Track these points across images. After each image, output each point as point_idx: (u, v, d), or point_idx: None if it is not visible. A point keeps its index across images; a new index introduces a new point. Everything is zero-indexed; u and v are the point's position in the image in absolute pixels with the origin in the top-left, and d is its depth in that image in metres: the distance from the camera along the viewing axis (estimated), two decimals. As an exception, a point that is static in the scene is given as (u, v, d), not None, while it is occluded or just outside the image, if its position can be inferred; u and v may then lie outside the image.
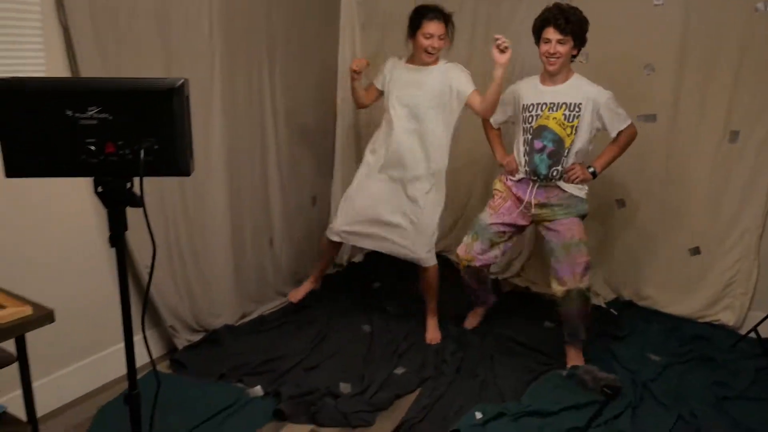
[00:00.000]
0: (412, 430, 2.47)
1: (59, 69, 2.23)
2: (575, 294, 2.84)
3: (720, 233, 3.36)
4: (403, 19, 3.82)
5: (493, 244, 3.01)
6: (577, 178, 2.83)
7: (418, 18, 2.87)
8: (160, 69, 2.55)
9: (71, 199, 2.39)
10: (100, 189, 1.25)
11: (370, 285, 3.80)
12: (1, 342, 1.54)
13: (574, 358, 2.98)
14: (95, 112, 1.16)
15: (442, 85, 2.89)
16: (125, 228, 1.31)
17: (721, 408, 2.65)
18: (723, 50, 3.15)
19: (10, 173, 1.22)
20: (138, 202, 1.25)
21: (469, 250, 3.02)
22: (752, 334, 3.14)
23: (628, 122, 2.84)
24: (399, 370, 2.88)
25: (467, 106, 2.91)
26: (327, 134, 3.67)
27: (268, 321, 3.29)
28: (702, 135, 3.30)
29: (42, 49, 2.15)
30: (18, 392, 1.69)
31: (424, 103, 2.90)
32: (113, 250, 2.38)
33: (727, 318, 3.39)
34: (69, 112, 1.16)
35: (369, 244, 3.14)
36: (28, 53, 2.11)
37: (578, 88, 2.80)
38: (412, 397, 2.71)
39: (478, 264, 3.03)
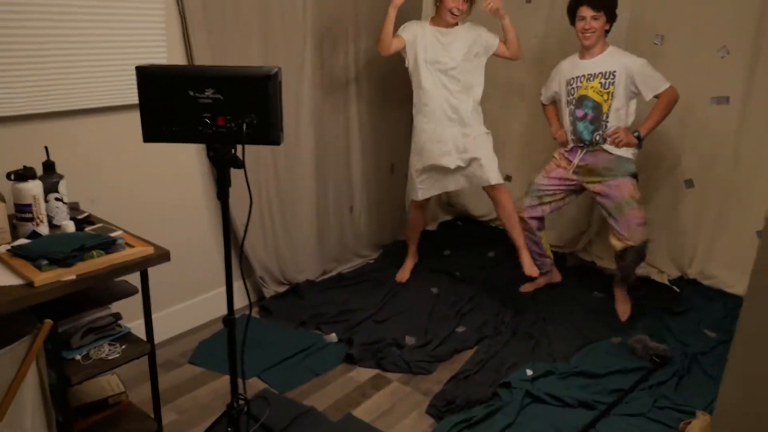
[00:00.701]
0: (467, 380, 2.75)
1: (177, 54, 2.63)
2: (634, 251, 3.13)
3: (790, 217, 3.36)
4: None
5: (541, 202, 3.33)
6: (620, 141, 3.08)
7: None
8: (259, 52, 2.91)
9: (182, 162, 2.81)
10: (211, 153, 1.61)
11: (441, 252, 4.07)
12: (129, 274, 1.95)
13: (622, 299, 3.37)
14: (211, 93, 1.51)
15: (470, 41, 3.19)
16: (229, 185, 1.66)
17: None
18: (801, 33, 3.13)
19: (147, 139, 1.60)
20: (240, 164, 1.59)
21: (522, 204, 3.36)
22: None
23: (667, 85, 3.05)
24: (460, 329, 3.16)
25: (497, 55, 3.27)
26: (403, 103, 3.92)
27: (346, 278, 3.65)
28: (774, 118, 3.31)
29: (164, 38, 2.54)
30: (139, 321, 2.11)
31: (456, 60, 3.17)
32: (214, 206, 2.79)
33: (793, 301, 3.40)
34: (191, 93, 1.52)
35: (444, 185, 3.42)
36: (153, 41, 2.51)
37: (613, 58, 3.09)
38: (470, 353, 2.99)
39: (525, 216, 3.35)
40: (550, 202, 3.34)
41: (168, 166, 2.75)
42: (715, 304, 3.46)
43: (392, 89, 3.78)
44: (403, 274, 3.68)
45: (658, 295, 3.58)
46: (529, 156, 4.23)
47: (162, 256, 2.00)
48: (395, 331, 3.10)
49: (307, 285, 3.48)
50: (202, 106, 1.53)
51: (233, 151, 1.62)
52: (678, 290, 3.65)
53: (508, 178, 4.36)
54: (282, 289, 3.40)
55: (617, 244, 3.17)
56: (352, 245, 3.86)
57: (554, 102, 3.41)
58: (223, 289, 3.12)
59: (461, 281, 3.66)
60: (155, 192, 2.74)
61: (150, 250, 1.98)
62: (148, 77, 1.56)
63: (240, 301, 3.22)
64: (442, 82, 3.21)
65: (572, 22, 3.14)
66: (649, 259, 3.85)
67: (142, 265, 1.95)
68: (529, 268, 3.32)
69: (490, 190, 3.33)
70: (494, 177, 3.27)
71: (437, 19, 3.23)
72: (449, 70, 3.19)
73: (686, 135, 3.59)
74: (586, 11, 3.02)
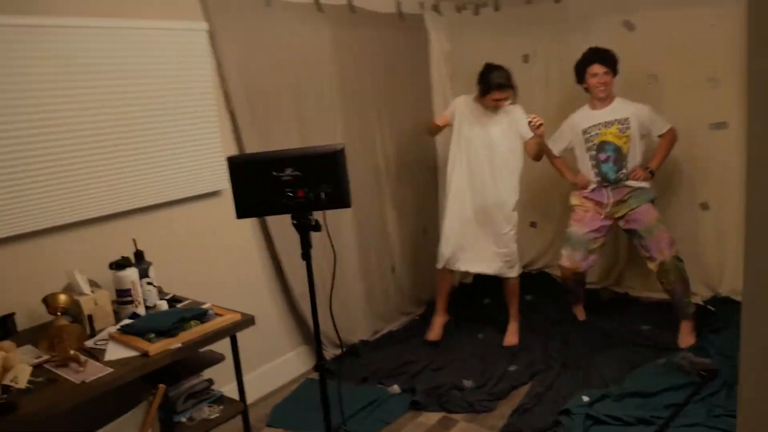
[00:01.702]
0: (528, 412, 2.92)
1: (229, 143, 2.98)
2: (669, 264, 3.39)
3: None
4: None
5: (589, 251, 3.59)
6: (639, 177, 3.50)
7: (487, 89, 3.39)
8: (297, 134, 3.26)
9: (240, 243, 3.11)
10: (294, 221, 1.90)
11: (481, 301, 4.27)
12: (224, 338, 2.20)
13: (686, 332, 3.46)
14: (290, 171, 1.82)
15: (508, 123, 3.46)
16: (311, 246, 1.94)
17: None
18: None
19: (240, 215, 1.90)
20: (319, 227, 1.88)
21: (573, 259, 3.60)
22: None
23: (668, 126, 3.51)
24: (512, 368, 3.34)
25: (524, 149, 3.51)
26: (429, 171, 4.26)
27: (396, 335, 3.87)
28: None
29: (218, 130, 2.90)
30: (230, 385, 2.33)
31: (495, 137, 3.47)
32: (272, 279, 3.04)
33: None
34: (274, 173, 1.83)
35: (465, 265, 3.66)
36: (208, 133, 2.86)
37: (623, 107, 3.51)
38: (525, 388, 3.16)
39: (583, 269, 3.63)
40: (595, 250, 3.62)
41: (230, 246, 3.04)
42: (751, 317, 3.60)
43: (415, 157, 4.11)
44: (434, 333, 3.75)
45: (696, 316, 3.73)
46: (547, 204, 4.49)
47: (248, 320, 2.26)
48: (453, 376, 3.28)
49: (362, 345, 3.69)
50: (284, 183, 1.83)
51: (312, 216, 1.91)
52: (713, 309, 3.80)
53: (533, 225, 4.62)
54: (338, 351, 3.61)
55: (653, 266, 3.46)
56: (397, 303, 4.09)
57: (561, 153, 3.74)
58: (284, 357, 3.39)
59: (504, 326, 3.83)
60: (223, 271, 3.02)
61: (237, 316, 2.24)
62: (237, 165, 1.88)
63: (297, 369, 3.45)
64: (480, 150, 3.55)
65: (579, 79, 3.53)
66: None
67: (233, 330, 2.21)
68: (510, 337, 3.64)
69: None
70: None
71: (479, 100, 3.50)
72: (486, 141, 3.52)
73: (694, 161, 3.86)
74: (598, 68, 3.42)
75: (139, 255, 2.41)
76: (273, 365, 3.34)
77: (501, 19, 4.33)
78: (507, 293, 3.71)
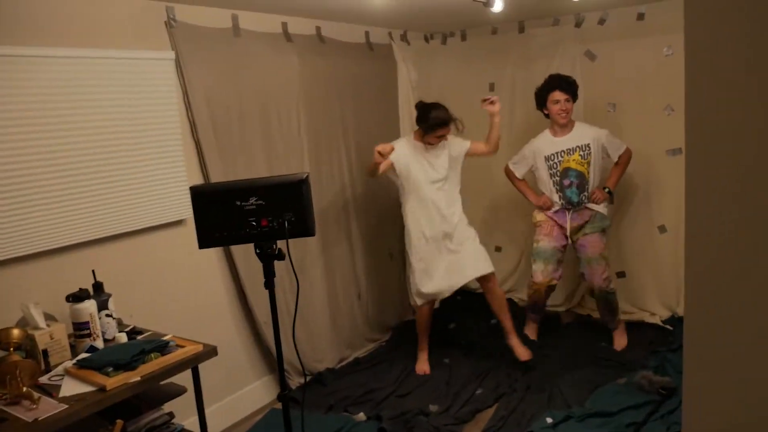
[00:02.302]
0: (494, 435, 2.93)
1: (194, 172, 2.96)
2: (598, 295, 3.68)
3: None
4: (453, 94, 4.48)
5: (559, 263, 3.71)
6: (598, 199, 3.63)
7: (430, 127, 3.43)
8: (263, 163, 3.26)
9: (204, 271, 3.08)
10: (258, 250, 1.89)
11: (446, 326, 4.28)
12: (186, 370, 2.16)
13: (618, 337, 3.77)
14: (254, 200, 1.81)
15: (447, 156, 3.53)
16: (274, 275, 1.93)
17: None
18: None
19: (202, 245, 1.88)
20: (283, 256, 1.87)
21: (546, 274, 3.68)
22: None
23: (624, 147, 3.67)
24: (478, 391, 3.35)
25: (472, 155, 3.58)
26: (394, 196, 4.27)
27: (362, 362, 3.85)
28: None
29: (182, 159, 2.88)
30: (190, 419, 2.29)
31: (441, 170, 3.52)
32: (237, 308, 3.01)
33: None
34: (238, 202, 1.82)
35: (447, 287, 3.62)
36: (172, 162, 2.84)
37: (583, 132, 3.62)
38: (491, 411, 3.17)
39: (555, 282, 3.72)
40: (562, 262, 3.74)
41: (192, 275, 3.01)
42: (709, 337, 3.71)
43: (383, 184, 4.13)
44: (423, 366, 3.70)
45: (654, 336, 3.83)
46: (512, 228, 4.56)
47: (210, 351, 2.23)
48: (419, 401, 3.28)
49: (328, 373, 3.66)
50: (248, 212, 1.83)
51: (275, 246, 1.90)
52: (671, 328, 3.91)
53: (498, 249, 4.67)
54: (302, 380, 3.57)
55: (591, 287, 3.72)
56: (363, 330, 4.07)
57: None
58: (249, 387, 3.34)
59: (469, 350, 3.86)
60: (184, 300, 2.98)
61: (199, 347, 2.21)
62: (200, 194, 1.86)
63: (262, 399, 3.40)
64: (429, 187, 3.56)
65: (540, 105, 3.63)
66: (639, 303, 4.17)
67: (195, 361, 2.18)
68: (523, 351, 3.55)
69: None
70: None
71: (419, 137, 3.55)
72: (433, 178, 3.54)
73: (652, 186, 3.98)
74: (560, 95, 3.52)
75: (98, 286, 2.36)
76: (237, 396, 3.29)
77: (468, 49, 4.44)
78: (495, 306, 3.62)
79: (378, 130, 4.10)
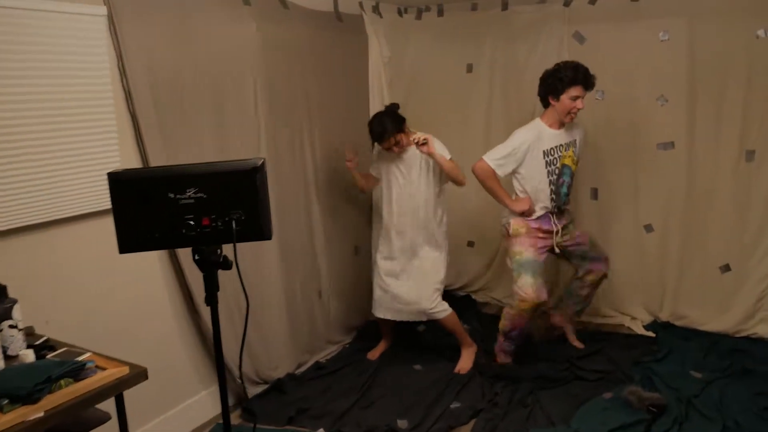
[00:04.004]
0: (471, 458, 2.61)
1: (131, 157, 2.52)
2: (603, 277, 3.38)
3: (747, 248, 3.48)
4: (427, 74, 4.12)
5: (544, 278, 3.29)
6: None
7: (374, 139, 3.25)
8: (215, 150, 2.82)
9: (143, 269, 2.64)
10: (197, 256, 1.48)
11: (415, 328, 3.93)
12: (107, 399, 1.75)
13: (572, 333, 3.58)
14: (193, 193, 1.41)
15: (420, 159, 3.22)
16: (218, 288, 1.53)
17: (764, 417, 2.73)
18: (730, 76, 3.33)
19: (123, 250, 1.46)
20: (229, 264, 1.47)
21: (537, 288, 3.14)
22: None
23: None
24: (454, 405, 3.02)
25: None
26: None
27: (325, 367, 3.47)
28: (720, 157, 3.46)
29: (116, 142, 2.43)
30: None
31: (412, 179, 3.26)
32: (181, 311, 2.61)
33: (764, 330, 3.49)
34: (171, 195, 1.41)
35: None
36: (103, 139, 2.39)
37: (573, 127, 3.26)
38: (467, 428, 2.84)
39: (545, 297, 3.19)
40: (545, 276, 3.35)
41: (127, 275, 2.56)
42: (693, 344, 3.49)
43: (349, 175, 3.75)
44: (374, 354, 3.60)
45: (636, 344, 3.57)
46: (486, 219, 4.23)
47: (139, 375, 1.81)
48: (385, 414, 2.94)
49: (288, 379, 3.28)
50: (184, 207, 1.42)
51: (220, 251, 1.50)
52: (654, 335, 3.66)
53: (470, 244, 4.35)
54: (259, 389, 3.18)
55: (593, 279, 3.39)
56: (324, 332, 3.70)
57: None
58: (196, 397, 2.94)
59: (442, 356, 3.53)
60: (116, 304, 2.54)
61: (125, 370, 1.80)
62: (121, 183, 1.44)
63: (215, 408, 3.01)
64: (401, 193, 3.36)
65: (549, 93, 3.11)
66: (621, 307, 3.91)
67: (118, 389, 1.77)
68: (465, 363, 3.39)
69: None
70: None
71: None
72: (404, 184, 3.32)
73: (639, 182, 3.70)
74: (581, 91, 3.04)
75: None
76: (182, 408, 2.88)
77: (444, 25, 4.06)
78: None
79: (346, 109, 3.70)
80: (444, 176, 3.25)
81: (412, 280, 3.34)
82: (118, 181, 1.43)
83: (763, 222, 3.41)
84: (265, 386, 3.21)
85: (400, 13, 4.13)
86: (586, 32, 3.65)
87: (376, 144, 3.33)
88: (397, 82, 4.10)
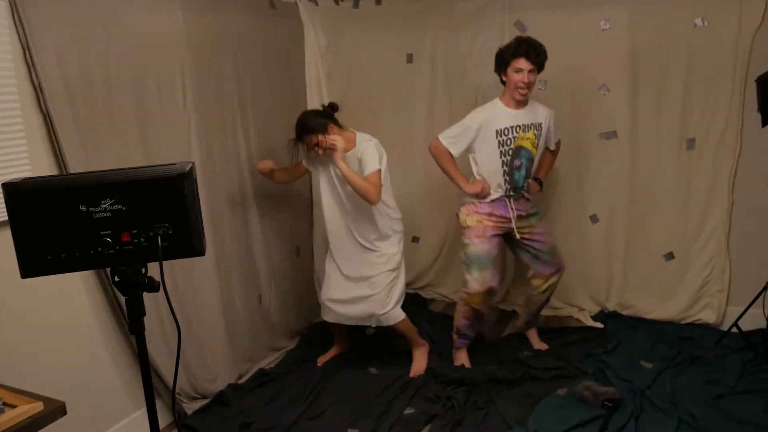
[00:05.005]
0: (427, 466, 2.49)
1: (44, 164, 2.25)
2: (555, 284, 3.28)
3: (690, 236, 3.51)
4: (366, 65, 3.97)
5: (495, 268, 3.17)
6: (534, 191, 3.21)
7: (296, 137, 3.07)
8: (140, 150, 2.58)
9: (62, 286, 2.37)
10: (116, 279, 1.28)
11: (362, 332, 3.77)
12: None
13: (537, 337, 3.47)
14: (109, 205, 1.20)
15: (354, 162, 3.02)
16: (143, 313, 1.33)
17: (718, 406, 2.74)
18: (670, 64, 3.33)
19: (26, 274, 1.24)
20: (156, 286, 1.28)
21: (483, 282, 3.09)
22: (734, 329, 3.26)
23: (558, 137, 3.29)
24: (407, 411, 2.90)
25: None
26: (303, 183, 3.71)
27: (269, 374, 3.27)
28: (662, 145, 3.47)
29: (23, 137, 2.16)
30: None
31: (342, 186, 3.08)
32: (109, 328, 2.37)
33: (708, 316, 3.52)
34: (83, 208, 1.20)
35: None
36: (9, 143, 2.11)
37: (538, 109, 3.11)
38: (422, 435, 2.73)
39: (495, 286, 3.16)
40: (498, 267, 3.25)
41: (43, 293, 2.28)
42: (640, 333, 3.50)
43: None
44: (323, 359, 3.43)
45: (586, 337, 3.55)
46: (432, 213, 4.13)
47: (56, 410, 1.59)
48: (335, 425, 2.79)
49: (230, 390, 3.07)
50: (100, 222, 1.21)
51: (145, 271, 1.30)
52: (602, 326, 3.65)
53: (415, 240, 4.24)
54: (197, 404, 2.96)
55: (540, 284, 3.25)
56: (265, 338, 3.50)
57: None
58: (130, 418, 2.70)
59: (395, 359, 3.38)
60: (29, 328, 2.26)
61: (39, 406, 1.57)
62: (21, 195, 1.21)
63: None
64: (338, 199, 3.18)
65: (499, 68, 3.02)
66: (568, 299, 3.89)
67: (32, 428, 1.53)
68: (418, 366, 3.26)
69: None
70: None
71: None
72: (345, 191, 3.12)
73: (584, 172, 3.67)
74: (525, 64, 2.91)
75: None
76: (114, 430, 2.64)
77: (383, 14, 3.91)
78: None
79: (282, 103, 3.50)
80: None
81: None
82: (16, 192, 1.21)
83: (705, 209, 3.44)
84: (206, 401, 3.00)
85: (336, 1, 3.95)
86: (527, 21, 3.58)
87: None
88: (335, 74, 3.92)
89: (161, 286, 1.27)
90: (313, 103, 3.71)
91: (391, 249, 3.16)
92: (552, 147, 3.25)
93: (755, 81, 2.77)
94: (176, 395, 2.85)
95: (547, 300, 3.36)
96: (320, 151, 3.00)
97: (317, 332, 3.68)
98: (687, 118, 3.38)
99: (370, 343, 3.61)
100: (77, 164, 2.31)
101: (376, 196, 2.89)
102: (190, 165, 1.26)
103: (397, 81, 3.96)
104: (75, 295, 2.44)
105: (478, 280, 3.08)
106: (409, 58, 3.96)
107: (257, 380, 3.23)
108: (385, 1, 3.90)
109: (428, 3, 3.79)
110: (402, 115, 4.00)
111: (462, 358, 3.29)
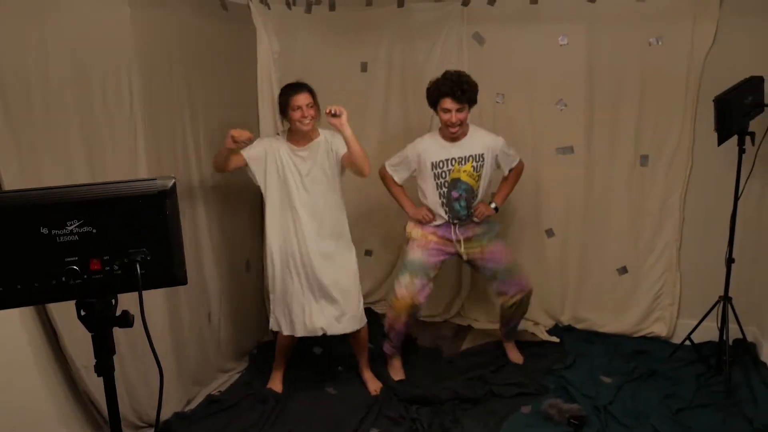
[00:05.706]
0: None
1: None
2: (524, 300, 3.21)
3: (643, 250, 3.56)
4: (319, 73, 3.82)
5: (428, 279, 3.12)
6: (482, 215, 3.13)
7: (285, 96, 2.88)
8: (83, 155, 2.34)
9: None
10: (83, 312, 1.09)
11: (310, 351, 3.60)
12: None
13: (513, 350, 3.43)
14: (76, 227, 1.01)
15: (329, 157, 2.90)
16: (113, 352, 1.14)
17: (680, 421, 2.77)
18: (626, 82, 3.37)
19: (-27, 309, 1.03)
20: (130, 322, 1.09)
21: (411, 288, 3.07)
22: (687, 342, 3.32)
23: (518, 159, 3.21)
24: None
25: (345, 165, 2.91)
26: (255, 195, 3.52)
27: (219, 400, 3.04)
28: (616, 161, 3.50)
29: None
30: None
31: (318, 181, 2.90)
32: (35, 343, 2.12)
33: (660, 329, 3.58)
34: (44, 230, 1.01)
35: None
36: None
37: (479, 140, 3.05)
38: (387, 460, 2.61)
39: (420, 302, 3.10)
40: (434, 277, 3.18)
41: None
42: (597, 347, 3.52)
43: (240, 179, 3.35)
44: (275, 385, 3.18)
45: (543, 352, 3.53)
46: (387, 227, 4.03)
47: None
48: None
49: (176, 419, 2.84)
50: (65, 247, 1.02)
51: (115, 302, 1.11)
52: (557, 340, 3.65)
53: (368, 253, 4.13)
54: (143, 435, 2.72)
55: (507, 301, 3.20)
56: (214, 359, 3.28)
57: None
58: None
59: (351, 377, 3.24)
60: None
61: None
62: (-33, 215, 1.01)
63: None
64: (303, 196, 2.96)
65: (431, 104, 2.99)
66: (523, 312, 3.85)
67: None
68: (374, 385, 3.16)
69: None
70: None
71: (293, 138, 2.93)
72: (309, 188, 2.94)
73: (540, 187, 3.67)
74: (450, 104, 2.86)
75: None
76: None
77: (337, 21, 3.77)
78: (356, 348, 3.20)
79: (234, 109, 3.32)
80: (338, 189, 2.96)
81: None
82: (-41, 212, 1.00)
83: (658, 224, 3.50)
84: (151, 430, 2.76)
85: (288, 5, 3.78)
86: (485, 33, 3.55)
87: (268, 142, 2.94)
88: (288, 80, 3.73)
89: (141, 321, 1.09)
90: (265, 109, 3.54)
91: (350, 252, 3.03)
92: (505, 173, 3.22)
93: (713, 101, 2.82)
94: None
95: (520, 316, 3.33)
96: (307, 122, 2.82)
97: (268, 351, 3.47)
98: (641, 135, 3.43)
99: (318, 363, 3.44)
100: (11, 175, 2.06)
101: (369, 167, 2.84)
102: (173, 181, 1.09)
103: (350, 90, 3.83)
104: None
105: (405, 286, 3.07)
106: (364, 67, 3.86)
107: (206, 408, 3.00)
108: (340, 7, 3.76)
109: (383, 11, 3.70)
110: (355, 125, 3.84)
111: (393, 370, 3.28)
